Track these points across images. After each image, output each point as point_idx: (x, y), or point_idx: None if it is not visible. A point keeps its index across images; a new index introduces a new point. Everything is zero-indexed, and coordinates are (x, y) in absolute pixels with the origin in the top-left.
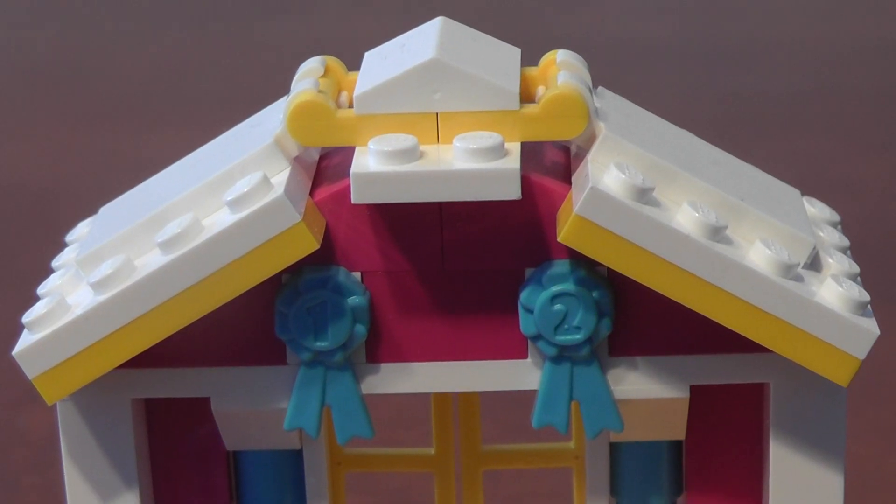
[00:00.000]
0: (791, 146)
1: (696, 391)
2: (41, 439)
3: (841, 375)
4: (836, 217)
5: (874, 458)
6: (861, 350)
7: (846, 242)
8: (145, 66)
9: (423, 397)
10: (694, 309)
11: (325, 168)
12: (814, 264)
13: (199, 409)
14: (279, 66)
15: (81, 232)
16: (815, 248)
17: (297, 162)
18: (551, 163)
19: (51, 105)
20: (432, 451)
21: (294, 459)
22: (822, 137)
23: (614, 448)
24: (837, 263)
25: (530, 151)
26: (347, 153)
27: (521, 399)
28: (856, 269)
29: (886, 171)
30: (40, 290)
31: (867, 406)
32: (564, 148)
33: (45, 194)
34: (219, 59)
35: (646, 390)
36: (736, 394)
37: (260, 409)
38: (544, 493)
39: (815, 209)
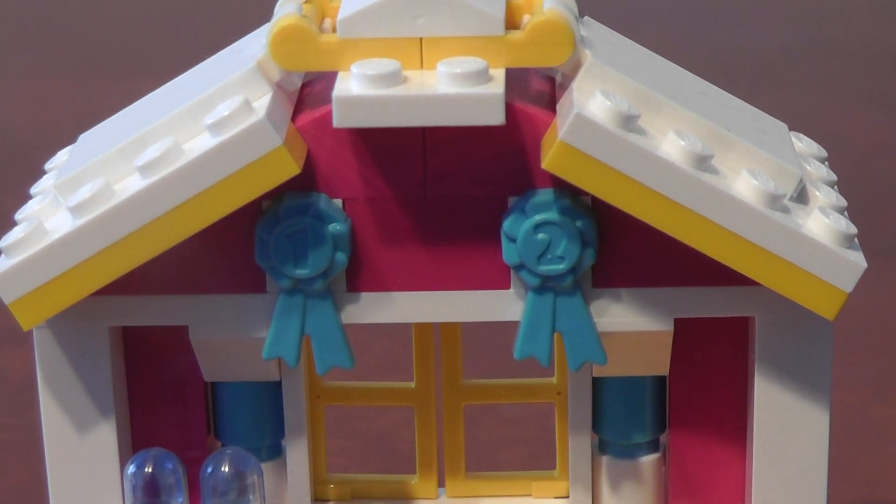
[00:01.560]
0: (778, 102)
1: (680, 325)
2: (18, 382)
3: (827, 309)
4: (824, 153)
5: (859, 406)
6: (848, 283)
7: (833, 177)
8: (126, 14)
9: (404, 344)
10: (679, 239)
11: (306, 95)
12: (801, 197)
13: (177, 340)
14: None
15: (60, 160)
16: (802, 180)
17: (280, 88)
18: (536, 92)
19: (30, 54)
20: (413, 384)
21: (272, 392)
22: (810, 93)
23: (597, 384)
24: (824, 196)
25: (515, 80)
26: (329, 81)
27: (503, 335)
28: (843, 202)
29: (873, 127)
30: (18, 215)
31: (852, 356)
32: (549, 78)
33: (22, 141)
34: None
35: (629, 323)
36: (720, 329)
37: (238, 338)
38: (525, 438)
39: (803, 144)
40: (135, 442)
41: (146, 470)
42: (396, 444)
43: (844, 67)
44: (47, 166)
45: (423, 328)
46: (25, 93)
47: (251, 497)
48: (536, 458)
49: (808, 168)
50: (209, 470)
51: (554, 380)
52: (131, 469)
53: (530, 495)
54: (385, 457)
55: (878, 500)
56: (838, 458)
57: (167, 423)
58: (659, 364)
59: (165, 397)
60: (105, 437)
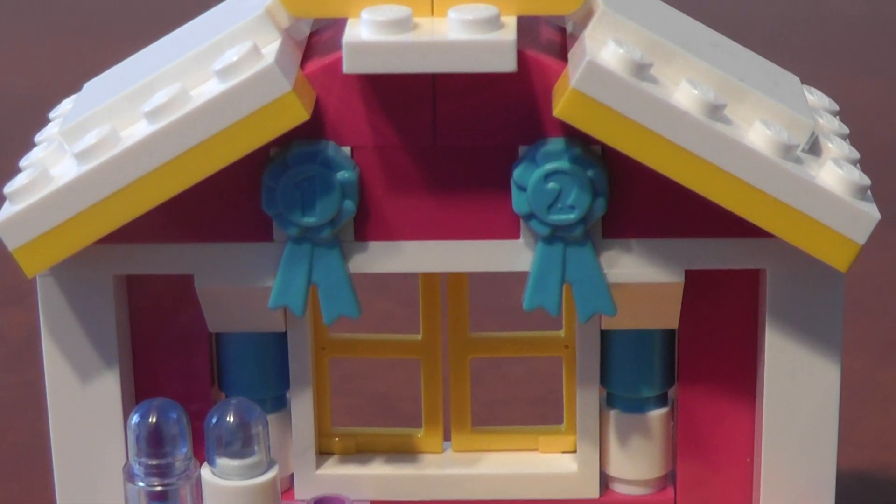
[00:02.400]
0: None
1: (690, 278)
2: (18, 340)
3: (840, 260)
4: (835, 106)
5: (864, 370)
6: (861, 234)
7: (846, 130)
8: None
9: (405, 304)
10: (691, 188)
11: (315, 44)
12: (813, 149)
13: (181, 290)
14: None
15: (65, 108)
16: (814, 132)
17: (288, 35)
18: (547, 41)
19: (30, 16)
20: (419, 336)
21: (277, 344)
22: (811, 62)
23: (605, 337)
24: (837, 148)
25: (526, 30)
26: (338, 29)
27: (511, 288)
28: (856, 154)
29: (873, 96)
30: (22, 162)
31: (858, 320)
32: (560, 28)
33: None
34: None
35: (640, 274)
36: (731, 282)
37: (244, 287)
38: (530, 398)
39: (815, 97)
40: (138, 394)
41: (150, 420)
42: (399, 404)
43: (845, 36)
44: (52, 115)
45: (430, 280)
46: (24, 55)
47: (256, 448)
48: (542, 417)
49: (821, 121)
50: (214, 420)
51: (562, 333)
52: (135, 419)
53: (537, 450)
54: (388, 416)
55: (883, 462)
56: (844, 420)
57: (171, 375)
58: (669, 317)
59: (169, 349)
60: (108, 387)
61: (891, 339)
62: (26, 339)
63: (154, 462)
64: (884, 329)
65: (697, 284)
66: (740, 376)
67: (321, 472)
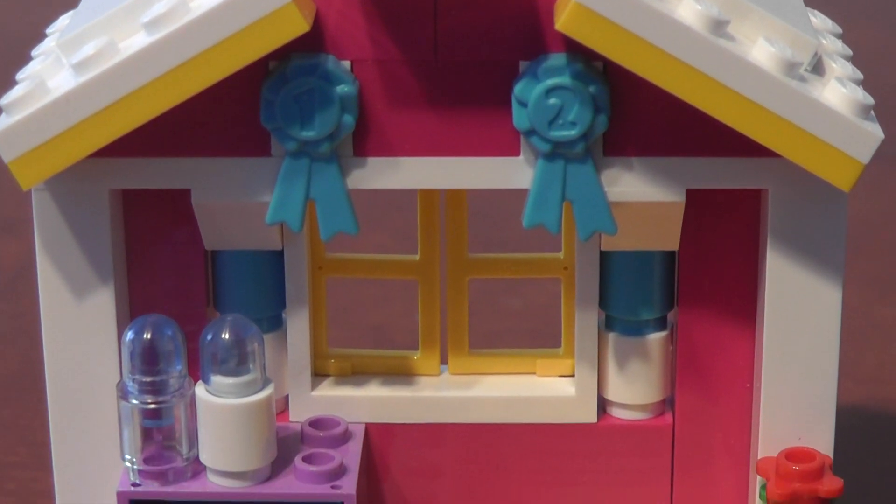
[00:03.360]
0: None
1: (692, 198)
2: (11, 270)
3: (843, 179)
4: (839, 29)
5: (863, 307)
6: (865, 153)
7: (849, 52)
8: None
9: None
10: (694, 104)
11: None
12: (816, 68)
13: (178, 208)
14: None
15: (62, 23)
16: (817, 51)
17: None
18: None
19: None
20: (417, 257)
21: (274, 262)
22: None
23: (605, 258)
24: (840, 68)
25: None
26: None
27: (511, 209)
28: (859, 75)
29: (872, 39)
30: (19, 75)
31: (856, 259)
32: None
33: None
34: None
35: (640, 192)
36: (732, 203)
37: (241, 202)
38: (526, 330)
39: (818, 20)
40: (133, 313)
41: (144, 336)
42: (396, 336)
43: None
44: (48, 30)
45: (429, 199)
46: None
47: (251, 366)
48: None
49: (824, 42)
50: (209, 337)
51: (561, 255)
52: (129, 335)
53: (534, 373)
54: (384, 347)
55: (881, 397)
56: (843, 356)
57: (167, 294)
58: (669, 238)
59: (165, 267)
60: (103, 303)
61: (889, 277)
62: (19, 269)
63: (148, 379)
64: (883, 268)
65: (699, 205)
66: (741, 299)
67: (316, 393)
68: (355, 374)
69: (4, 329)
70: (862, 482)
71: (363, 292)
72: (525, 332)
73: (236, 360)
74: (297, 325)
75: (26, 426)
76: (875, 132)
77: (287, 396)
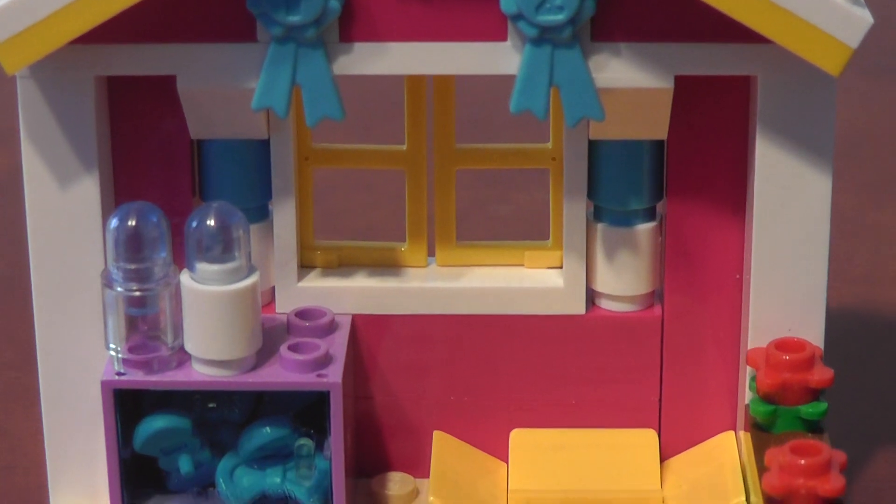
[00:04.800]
0: None
1: (680, 85)
2: (1, 172)
3: (832, 64)
4: None
5: (854, 211)
6: (854, 38)
7: None
8: None
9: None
10: None
11: None
12: None
13: (163, 97)
14: None
15: None
16: None
17: None
18: None
19: None
20: (404, 147)
21: (260, 152)
22: None
23: (593, 147)
24: None
25: None
26: None
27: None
28: None
29: None
30: None
31: (849, 165)
32: None
33: None
34: None
35: (628, 79)
36: (721, 90)
37: (227, 88)
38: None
39: None
40: (118, 203)
41: (129, 223)
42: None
43: None
44: None
45: (416, 88)
46: None
47: (236, 253)
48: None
49: None
50: (194, 224)
51: (549, 145)
52: (114, 222)
53: (523, 265)
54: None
55: (873, 298)
56: (835, 258)
57: (152, 185)
58: (657, 127)
59: (151, 157)
60: (87, 192)
61: (882, 183)
62: (8, 178)
63: (133, 266)
64: (873, 173)
65: (687, 92)
66: (730, 189)
67: (303, 284)
68: (342, 265)
69: None
70: (854, 381)
71: (351, 197)
72: (514, 237)
73: (221, 248)
74: (284, 216)
75: (12, 327)
76: (865, 17)
77: (273, 288)
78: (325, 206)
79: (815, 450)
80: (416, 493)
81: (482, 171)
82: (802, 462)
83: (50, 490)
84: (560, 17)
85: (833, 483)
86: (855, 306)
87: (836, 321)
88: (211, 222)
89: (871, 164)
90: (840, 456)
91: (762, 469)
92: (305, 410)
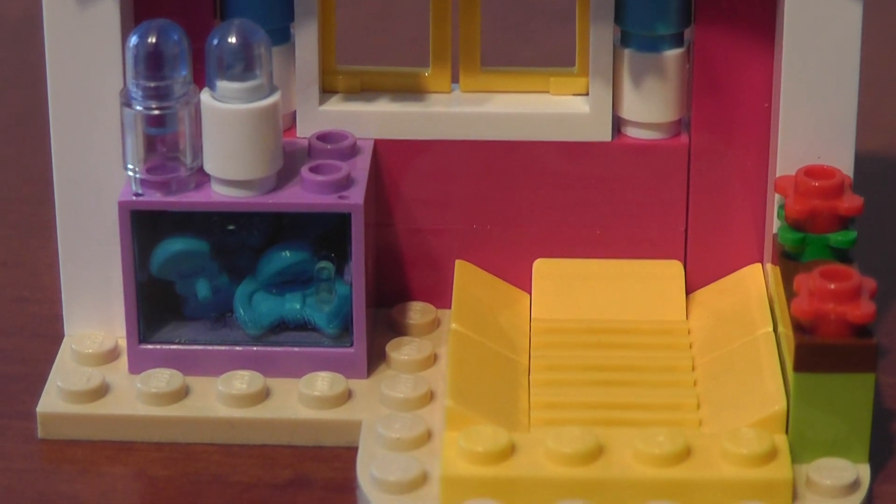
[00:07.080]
0: None
1: None
2: (17, 20)
3: None
4: None
5: (882, 62)
6: None
7: None
8: None
9: None
10: None
11: None
12: None
13: None
14: None
15: None
16: None
17: None
18: None
19: None
20: None
21: None
22: None
23: None
24: None
25: None
26: None
27: None
28: None
29: None
30: None
31: (877, 17)
32: None
33: None
34: None
35: None
36: None
37: None
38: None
39: None
40: (138, 22)
41: (149, 40)
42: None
43: None
44: None
45: None
46: None
47: (258, 71)
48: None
49: None
50: (215, 41)
51: None
52: (133, 40)
53: (548, 91)
54: None
55: None
56: (861, 106)
57: (173, 4)
58: None
59: None
60: (107, 9)
61: None
62: (25, 19)
63: (152, 84)
64: None
65: None
66: (760, 15)
67: (325, 108)
68: (364, 90)
69: (9, 74)
70: (881, 223)
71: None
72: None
73: (243, 65)
74: (306, 39)
75: (29, 164)
76: None
77: (294, 113)
78: (345, 51)
79: (846, 275)
80: (437, 322)
81: (504, 18)
82: (832, 286)
83: (64, 319)
84: None
85: (863, 308)
86: (883, 154)
87: (863, 171)
88: (232, 39)
89: None
90: (870, 283)
91: (790, 295)
92: (325, 237)
